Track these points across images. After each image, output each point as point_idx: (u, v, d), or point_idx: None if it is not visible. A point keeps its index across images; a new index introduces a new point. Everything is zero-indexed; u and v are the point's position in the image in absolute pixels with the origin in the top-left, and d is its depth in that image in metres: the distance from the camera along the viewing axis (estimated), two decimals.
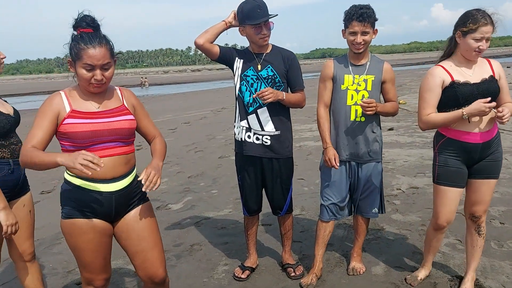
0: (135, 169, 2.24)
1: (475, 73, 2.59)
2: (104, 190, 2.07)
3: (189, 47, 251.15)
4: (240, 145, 3.07)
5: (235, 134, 3.13)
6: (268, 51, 2.99)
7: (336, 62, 2.94)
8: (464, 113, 2.49)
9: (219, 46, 2.99)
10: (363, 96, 2.85)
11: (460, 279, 2.99)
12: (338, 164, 2.87)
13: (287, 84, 3.02)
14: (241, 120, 3.03)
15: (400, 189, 5.18)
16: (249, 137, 3.01)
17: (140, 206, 2.22)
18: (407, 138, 8.11)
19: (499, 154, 2.69)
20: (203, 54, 3.17)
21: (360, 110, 2.84)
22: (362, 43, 2.77)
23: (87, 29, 2.01)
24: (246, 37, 2.96)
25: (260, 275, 3.28)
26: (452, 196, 2.71)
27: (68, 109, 2.03)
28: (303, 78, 3.09)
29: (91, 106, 2.08)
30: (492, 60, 2.67)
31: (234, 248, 3.79)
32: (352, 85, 2.87)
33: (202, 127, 11.42)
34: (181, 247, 3.88)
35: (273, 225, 4.15)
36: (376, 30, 2.83)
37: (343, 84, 2.88)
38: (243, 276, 3.22)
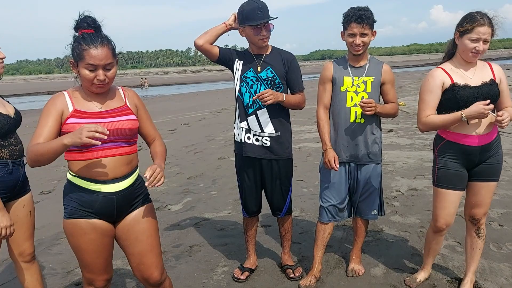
0: (138, 169, 2.24)
1: (476, 76, 2.59)
2: (106, 191, 2.07)
3: (189, 48, 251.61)
4: (239, 146, 3.08)
5: (234, 135, 3.13)
6: (268, 52, 2.99)
7: (336, 64, 2.95)
8: (463, 115, 2.49)
9: (218, 47, 3.00)
10: (362, 97, 2.85)
11: (459, 281, 3.00)
12: (337, 166, 2.87)
13: (287, 85, 3.02)
14: (240, 122, 3.03)
15: (399, 191, 5.18)
16: (248, 138, 3.01)
17: (142, 208, 2.22)
18: (407, 140, 8.11)
19: (499, 157, 2.68)
20: (203, 55, 3.17)
21: (359, 112, 2.85)
22: (361, 44, 2.77)
23: (88, 29, 2.01)
24: (245, 38, 2.97)
25: (259, 276, 3.28)
26: (452, 199, 2.71)
27: (71, 109, 2.03)
28: (302, 79, 3.09)
29: (94, 106, 2.08)
30: (493, 64, 2.66)
31: (233, 249, 3.79)
32: (351, 86, 2.87)
33: (201, 128, 11.42)
34: (180, 248, 3.88)
35: (273, 226, 4.15)
36: (375, 31, 2.84)
37: (342, 86, 2.89)
38: (242, 277, 3.22)
